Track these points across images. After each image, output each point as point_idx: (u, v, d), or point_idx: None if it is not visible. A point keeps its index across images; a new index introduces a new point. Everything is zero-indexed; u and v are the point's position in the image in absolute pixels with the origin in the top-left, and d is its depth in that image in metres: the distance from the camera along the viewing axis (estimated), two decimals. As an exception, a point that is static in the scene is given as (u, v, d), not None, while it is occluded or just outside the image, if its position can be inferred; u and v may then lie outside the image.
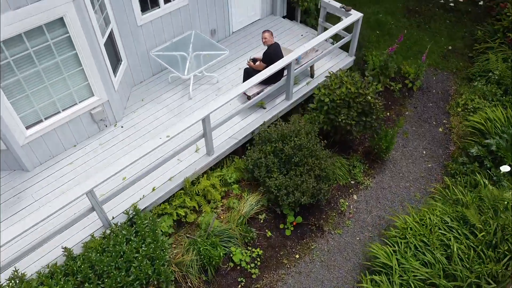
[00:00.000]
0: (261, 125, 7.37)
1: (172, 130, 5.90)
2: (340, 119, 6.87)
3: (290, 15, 10.25)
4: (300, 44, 9.08)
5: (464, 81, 9.18)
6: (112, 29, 6.99)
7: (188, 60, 7.63)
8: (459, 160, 7.23)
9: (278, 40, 9.09)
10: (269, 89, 7.36)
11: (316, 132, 6.65)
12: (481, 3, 11.27)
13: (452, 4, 11.30)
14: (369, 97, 6.73)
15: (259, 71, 7.30)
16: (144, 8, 7.43)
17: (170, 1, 7.70)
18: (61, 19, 5.78)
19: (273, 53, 7.16)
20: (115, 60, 7.31)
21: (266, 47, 7.37)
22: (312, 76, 8.26)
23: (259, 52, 8.73)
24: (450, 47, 10.02)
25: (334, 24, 9.46)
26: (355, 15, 8.08)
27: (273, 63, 7.02)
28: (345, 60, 8.74)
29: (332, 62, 8.67)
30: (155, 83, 8.15)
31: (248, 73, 7.53)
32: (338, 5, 8.36)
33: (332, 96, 6.90)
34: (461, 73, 9.40)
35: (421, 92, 9.08)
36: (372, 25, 10.67)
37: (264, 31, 7.19)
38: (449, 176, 7.29)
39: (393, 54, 8.62)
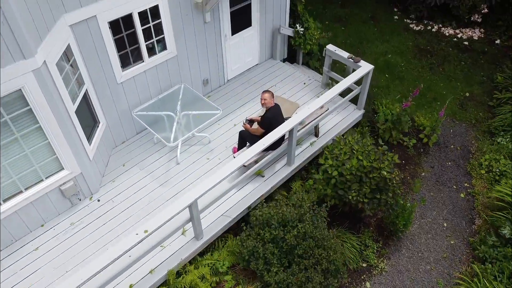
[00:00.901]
0: (258, 198, 6.41)
1: (152, 223, 4.92)
2: (350, 196, 5.91)
3: (291, 57, 9.37)
4: (303, 94, 8.18)
5: (485, 136, 8.23)
6: (87, 89, 6.06)
7: (175, 121, 6.69)
8: (488, 241, 6.24)
9: (278, 89, 8.21)
10: (268, 157, 6.40)
11: (323, 217, 5.67)
12: (497, 42, 10.39)
13: (466, 43, 10.42)
14: (384, 172, 5.77)
15: (256, 136, 6.39)
16: (126, 64, 6.51)
17: (155, 53, 6.78)
18: (20, 91, 4.84)
19: (272, 118, 6.21)
20: (92, 122, 6.38)
21: (264, 109, 6.44)
22: (316, 135, 7.32)
23: (257, 105, 7.82)
24: (467, 94, 9.10)
25: (339, 72, 8.61)
26: (365, 67, 7.16)
27: (272, 129, 6.08)
28: (354, 114, 7.80)
29: (340, 117, 7.73)
30: (139, 144, 7.19)
31: (244, 138, 6.60)
32: (345, 54, 7.45)
33: (340, 169, 5.95)
34: (481, 126, 8.46)
35: (438, 148, 8.13)
36: (381, 67, 9.77)
37: (264, 92, 6.26)
38: (477, 259, 6.29)
39: (407, 109, 7.70)
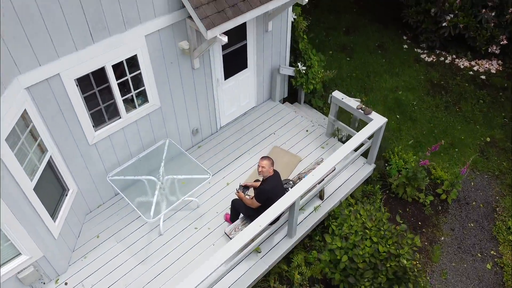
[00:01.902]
0: (254, 280, 5.46)
1: None
2: (362, 287, 4.97)
3: (291, 94, 8.46)
4: (306, 144, 7.26)
5: (511, 191, 7.30)
6: (51, 156, 5.12)
7: (157, 188, 5.74)
8: (526, 336, 5.29)
9: (277, 138, 7.30)
10: (266, 233, 5.46)
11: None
12: (518, 75, 9.49)
13: (483, 77, 9.51)
14: (404, 261, 4.82)
15: (251, 208, 5.45)
16: (99, 122, 5.57)
17: (135, 108, 5.85)
18: (-43, 177, 3.91)
19: (270, 191, 5.27)
20: (58, 191, 5.44)
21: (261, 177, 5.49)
22: (321, 198, 6.38)
23: (253, 158, 6.89)
24: (488, 139, 8.17)
25: (344, 120, 7.68)
26: (377, 121, 6.24)
27: (270, 203, 5.14)
28: (364, 169, 6.87)
29: (348, 173, 6.80)
30: (117, 208, 6.25)
31: (237, 209, 5.67)
32: (354, 104, 6.53)
33: (351, 253, 5.00)
34: (505, 178, 7.52)
35: (458, 205, 7.18)
36: (391, 105, 8.85)
37: (262, 158, 5.30)
38: None
39: (426, 166, 6.77)
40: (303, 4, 6.09)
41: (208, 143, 7.20)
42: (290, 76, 7.98)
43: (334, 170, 6.18)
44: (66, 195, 5.56)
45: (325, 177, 6.05)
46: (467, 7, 9.33)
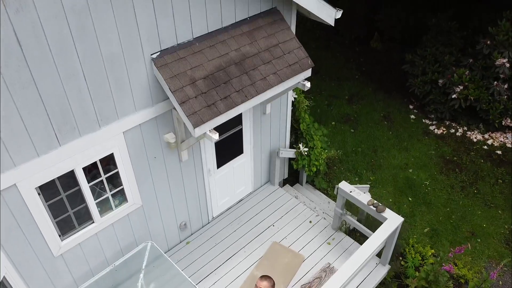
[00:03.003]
0: None
1: None
2: None
3: (293, 176, 7.71)
4: (310, 239, 6.45)
5: (546, 294, 6.34)
6: (4, 276, 4.24)
7: (134, 307, 4.83)
8: None
9: (277, 231, 6.57)
10: None
11: None
12: (536, 150, 8.77)
13: (499, 152, 8.79)
14: None
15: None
16: (67, 229, 4.74)
17: (112, 209, 5.03)
18: None
19: (268, 321, 4.34)
20: (15, 314, 4.50)
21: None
22: (329, 311, 5.42)
23: (250, 257, 5.99)
24: (513, 228, 7.31)
25: (352, 210, 6.87)
26: (392, 221, 5.41)
27: (269, 335, 4.20)
28: (377, 271, 5.97)
29: (359, 277, 5.88)
30: (88, 324, 5.27)
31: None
32: (364, 199, 5.72)
33: None
34: (538, 276, 6.59)
35: (486, 311, 6.20)
36: (402, 186, 8.06)
37: (262, 278, 4.38)
38: None
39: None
40: (305, 90, 5.45)
41: (198, 238, 6.33)
42: (290, 158, 7.26)
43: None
44: (24, 316, 4.63)
45: None
46: (477, 78, 8.80)
